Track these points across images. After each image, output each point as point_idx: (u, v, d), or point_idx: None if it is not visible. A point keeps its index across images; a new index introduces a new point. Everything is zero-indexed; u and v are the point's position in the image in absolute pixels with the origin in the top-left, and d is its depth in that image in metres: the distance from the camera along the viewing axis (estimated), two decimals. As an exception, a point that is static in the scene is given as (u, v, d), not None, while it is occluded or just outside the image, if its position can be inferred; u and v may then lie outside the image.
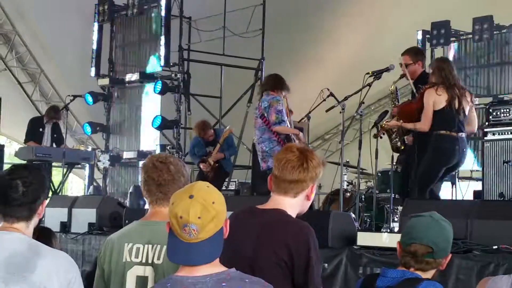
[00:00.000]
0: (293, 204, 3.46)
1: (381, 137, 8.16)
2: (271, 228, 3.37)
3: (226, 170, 11.57)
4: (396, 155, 8.56)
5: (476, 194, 10.04)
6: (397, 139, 8.22)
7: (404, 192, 8.18)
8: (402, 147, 8.23)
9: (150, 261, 3.35)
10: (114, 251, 3.44)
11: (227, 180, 12.49)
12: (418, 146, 7.76)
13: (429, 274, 3.34)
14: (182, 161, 3.68)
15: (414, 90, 8.04)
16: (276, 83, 8.79)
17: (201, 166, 11.29)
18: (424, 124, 7.57)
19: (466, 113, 7.64)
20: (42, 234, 4.28)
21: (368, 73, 8.23)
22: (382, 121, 8.22)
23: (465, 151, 7.64)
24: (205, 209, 2.65)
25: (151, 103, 14.46)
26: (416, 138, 7.86)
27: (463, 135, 7.61)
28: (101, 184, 15.77)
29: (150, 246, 3.37)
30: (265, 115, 8.63)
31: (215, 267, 2.70)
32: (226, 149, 11.29)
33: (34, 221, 3.19)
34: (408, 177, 7.91)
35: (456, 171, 8.56)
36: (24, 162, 11.65)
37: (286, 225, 3.39)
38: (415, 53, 8.44)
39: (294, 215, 3.46)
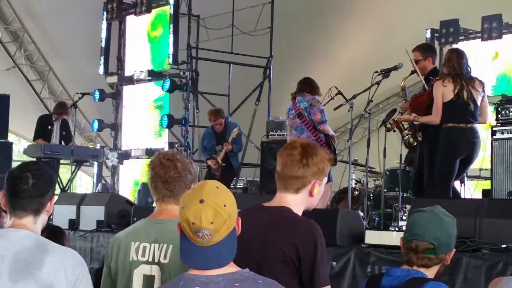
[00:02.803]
0: (297, 201, 3.43)
1: (394, 131, 8.19)
2: (278, 227, 3.35)
3: (234, 166, 11.55)
4: (404, 154, 8.54)
5: (485, 193, 10.00)
6: (409, 135, 8.22)
7: (417, 190, 8.15)
8: (415, 143, 8.23)
9: (156, 260, 3.35)
10: (121, 250, 3.44)
11: (235, 178, 12.49)
12: (429, 141, 7.76)
13: (433, 270, 3.30)
14: (190, 158, 3.67)
15: (426, 86, 8.03)
16: (314, 87, 9.14)
17: (209, 163, 11.32)
18: (435, 117, 7.59)
19: (478, 103, 7.61)
20: (53, 233, 4.27)
21: (376, 72, 8.24)
22: (391, 119, 8.22)
23: (476, 141, 7.58)
24: (217, 213, 2.62)
25: (160, 101, 14.48)
26: (426, 133, 7.85)
27: (474, 125, 7.57)
28: (109, 182, 15.79)
29: (156, 245, 3.36)
30: (305, 115, 8.89)
31: (228, 267, 2.68)
32: (233, 143, 11.29)
33: (43, 218, 3.19)
34: (422, 175, 7.89)
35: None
36: (33, 159, 11.68)
37: (293, 223, 3.36)
38: (425, 49, 8.44)
39: (299, 212, 3.43)
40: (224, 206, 2.64)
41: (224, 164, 11.20)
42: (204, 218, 2.61)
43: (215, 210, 2.62)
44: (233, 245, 2.69)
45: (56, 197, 10.56)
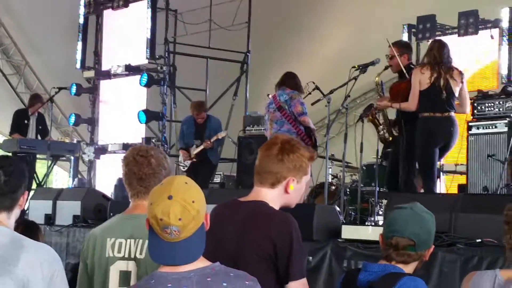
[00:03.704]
0: (273, 195, 3.44)
1: (373, 118, 8.23)
2: (254, 221, 3.35)
3: (213, 162, 11.53)
4: (381, 148, 8.58)
5: (461, 188, 10.07)
6: (384, 130, 8.25)
7: (392, 185, 8.19)
8: (390, 138, 8.26)
9: (132, 256, 3.35)
10: (97, 246, 3.44)
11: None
12: (407, 135, 7.80)
13: (411, 266, 3.32)
14: (164, 152, 3.66)
15: (407, 75, 8.06)
16: (296, 84, 9.24)
17: (181, 153, 11.30)
18: (411, 104, 7.64)
19: (455, 92, 7.66)
20: (28, 228, 4.25)
21: (354, 67, 8.27)
22: (367, 114, 8.26)
23: (452, 130, 7.64)
24: (185, 209, 2.62)
25: (137, 95, 14.42)
26: (404, 127, 7.88)
27: (451, 114, 7.62)
28: (85, 177, 15.72)
29: (132, 240, 3.36)
30: (285, 107, 9.01)
31: (199, 262, 2.68)
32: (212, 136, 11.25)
33: (16, 213, 3.16)
34: (397, 169, 7.93)
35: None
36: (8, 153, 11.61)
37: (269, 217, 3.36)
38: (401, 45, 8.54)
39: (275, 207, 3.43)
40: (193, 202, 2.64)
41: (195, 160, 11.18)
42: (172, 215, 2.61)
43: (183, 206, 2.62)
44: (201, 241, 2.69)
45: (32, 192, 10.53)
